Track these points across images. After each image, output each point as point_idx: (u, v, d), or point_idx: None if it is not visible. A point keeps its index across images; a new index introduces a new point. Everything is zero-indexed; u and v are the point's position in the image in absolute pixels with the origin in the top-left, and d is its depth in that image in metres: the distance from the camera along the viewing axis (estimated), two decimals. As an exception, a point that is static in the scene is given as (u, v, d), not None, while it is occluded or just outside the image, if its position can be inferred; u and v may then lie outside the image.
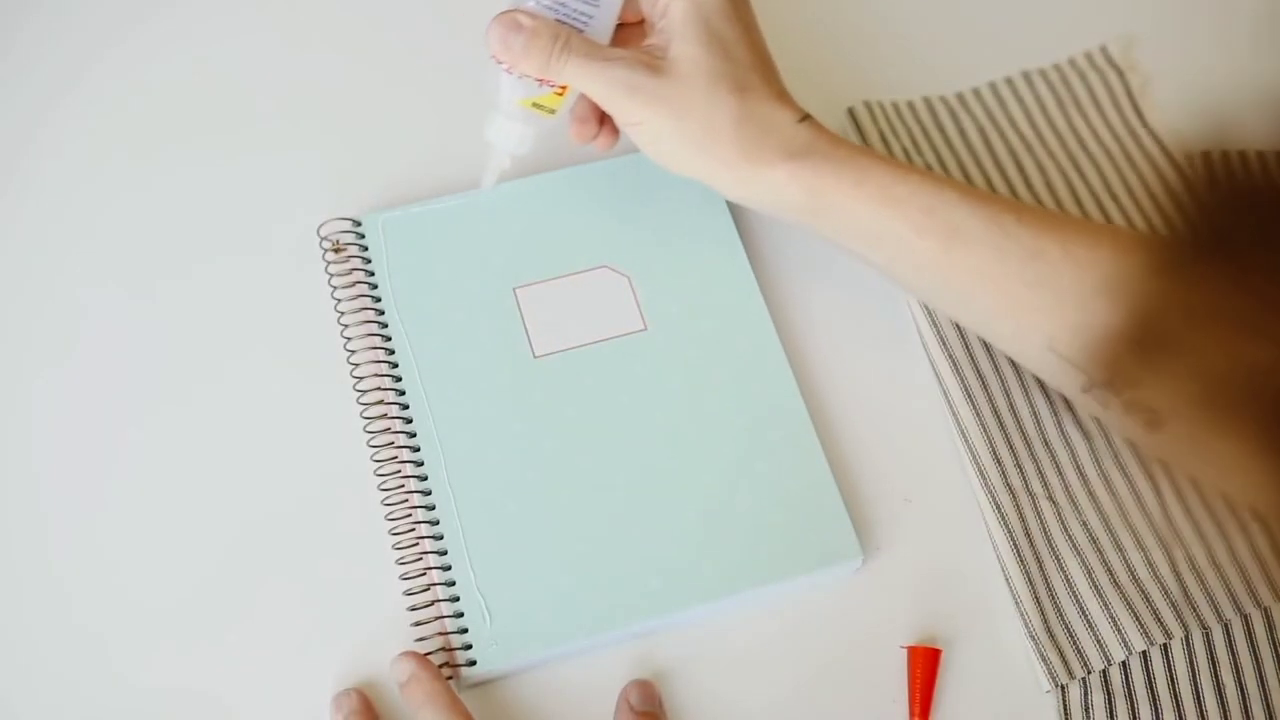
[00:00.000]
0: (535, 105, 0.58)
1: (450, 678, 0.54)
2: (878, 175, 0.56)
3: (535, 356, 0.61)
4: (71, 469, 0.60)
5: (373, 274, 0.63)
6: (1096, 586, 0.57)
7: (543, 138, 0.69)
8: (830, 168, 0.56)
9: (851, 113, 0.70)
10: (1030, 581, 0.57)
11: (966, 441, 0.60)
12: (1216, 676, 0.55)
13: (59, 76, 0.71)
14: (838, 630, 0.56)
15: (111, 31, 0.73)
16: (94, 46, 0.73)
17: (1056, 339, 0.53)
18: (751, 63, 0.57)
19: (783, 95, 0.58)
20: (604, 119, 0.62)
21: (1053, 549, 0.58)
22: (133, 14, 0.73)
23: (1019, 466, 0.59)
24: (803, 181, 0.56)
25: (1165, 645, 0.56)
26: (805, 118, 0.58)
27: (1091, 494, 0.59)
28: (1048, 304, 0.54)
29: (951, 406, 0.61)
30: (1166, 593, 0.57)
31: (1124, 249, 0.54)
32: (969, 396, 0.61)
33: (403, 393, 0.60)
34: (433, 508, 0.57)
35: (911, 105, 0.71)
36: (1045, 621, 0.56)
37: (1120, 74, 0.72)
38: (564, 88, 0.58)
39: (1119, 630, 0.56)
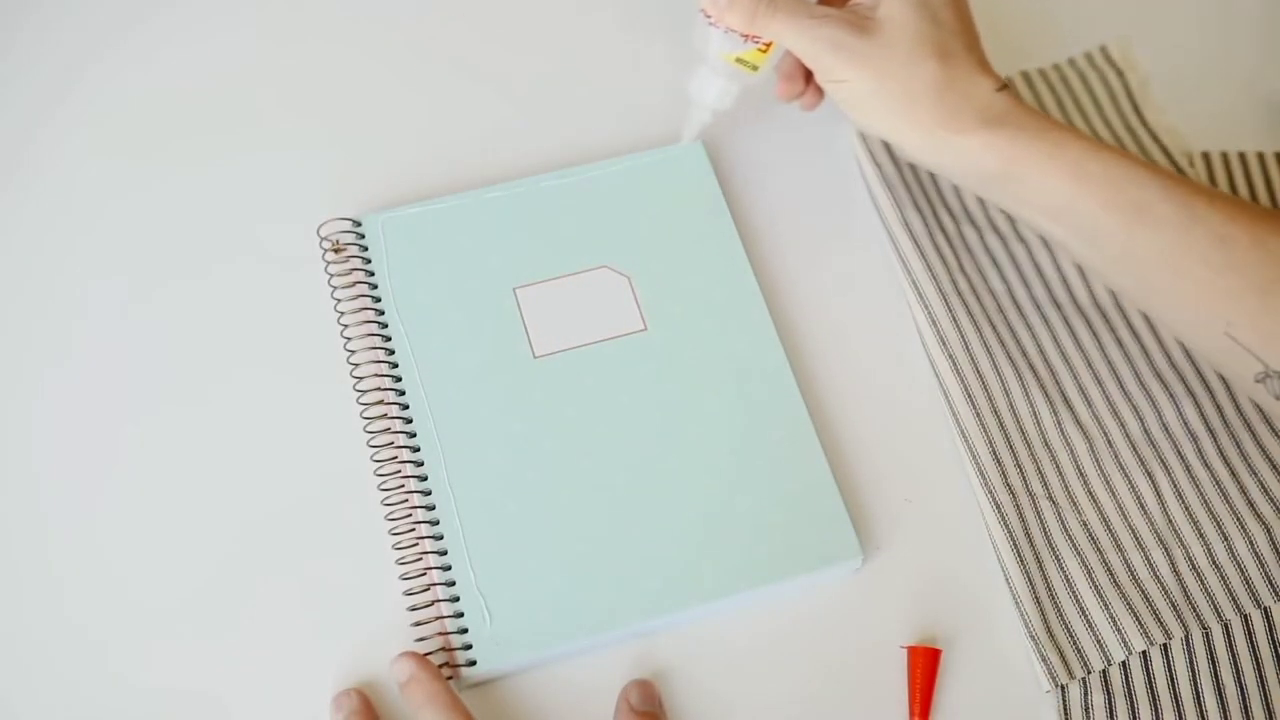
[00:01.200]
0: (739, 61, 0.59)
1: (450, 678, 0.54)
2: (1072, 148, 0.56)
3: (535, 356, 0.61)
4: (71, 468, 0.60)
5: (373, 274, 0.63)
6: (1096, 586, 0.57)
7: (538, 136, 0.69)
8: (1025, 138, 0.56)
9: (851, 113, 0.70)
10: (1030, 581, 0.57)
11: (966, 441, 0.60)
12: (1216, 676, 0.55)
13: (57, 77, 0.72)
14: (838, 630, 0.56)
15: (110, 32, 0.73)
16: (94, 47, 0.73)
17: (1236, 325, 0.53)
18: (956, 28, 0.58)
19: (983, 63, 0.59)
20: (809, 78, 0.63)
21: (1052, 549, 0.58)
22: (132, 15, 0.74)
23: (1019, 466, 0.59)
24: (997, 150, 0.57)
25: (1165, 645, 0.56)
26: (1004, 86, 0.58)
27: (1091, 494, 0.59)
28: (1232, 289, 0.53)
29: (951, 406, 0.61)
30: (1166, 593, 0.57)
31: None
32: (969, 397, 0.61)
33: (403, 393, 0.60)
34: (433, 508, 0.57)
35: (911, 105, 0.71)
36: (1045, 621, 0.56)
37: (1120, 74, 0.72)
38: (769, 44, 0.58)
39: (1119, 630, 0.56)
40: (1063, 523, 0.58)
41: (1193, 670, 0.55)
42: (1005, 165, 0.57)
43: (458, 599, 0.55)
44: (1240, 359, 0.54)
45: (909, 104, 0.57)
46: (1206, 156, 0.69)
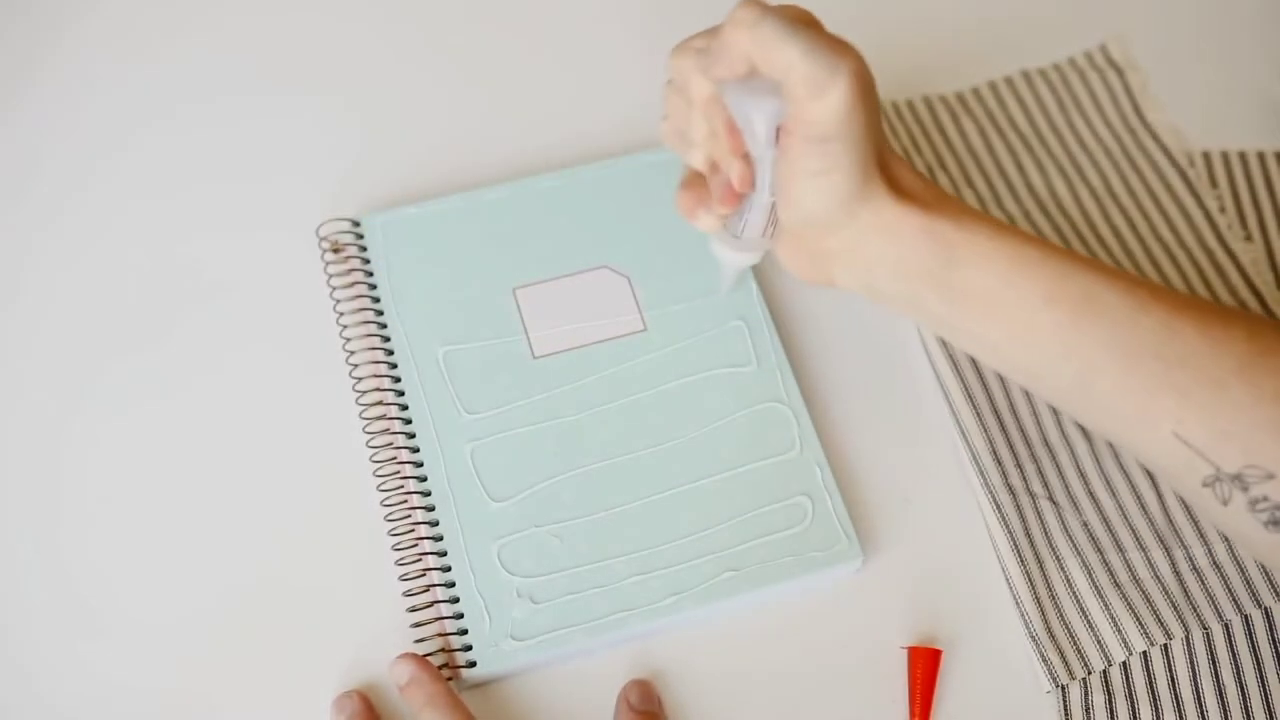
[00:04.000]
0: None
1: (450, 679, 0.54)
2: (1010, 236, 0.51)
3: (535, 357, 0.61)
4: (70, 468, 0.60)
5: (372, 274, 0.63)
6: (1097, 587, 0.57)
7: (538, 136, 0.69)
8: (968, 222, 0.52)
9: (851, 112, 0.70)
10: (1030, 582, 0.57)
11: (967, 442, 0.60)
12: (1217, 677, 0.55)
13: (58, 78, 0.72)
14: (838, 631, 0.56)
15: (112, 34, 0.73)
16: (94, 46, 0.73)
17: (1185, 423, 0.49)
18: (878, 114, 0.53)
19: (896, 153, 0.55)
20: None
21: (1053, 549, 0.58)
22: (131, 16, 0.74)
23: (1019, 467, 0.59)
24: (936, 235, 0.51)
25: (1166, 645, 0.56)
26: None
27: (1092, 494, 0.59)
28: (1182, 384, 0.49)
29: (952, 407, 0.61)
30: (1167, 593, 0.57)
31: (1258, 332, 0.50)
32: (969, 397, 0.61)
33: (402, 393, 0.60)
34: (432, 509, 0.57)
35: (911, 105, 0.71)
36: (1046, 622, 0.56)
37: (1120, 73, 0.72)
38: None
39: (1119, 630, 0.56)
40: (1063, 523, 0.58)
41: (1193, 670, 0.55)
42: (945, 252, 0.51)
43: (457, 600, 0.55)
44: (1186, 462, 0.50)
45: (864, 179, 0.50)
46: (1207, 156, 0.69)
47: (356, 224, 0.65)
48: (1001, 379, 0.61)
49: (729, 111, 0.51)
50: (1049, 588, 0.57)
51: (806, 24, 0.50)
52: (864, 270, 0.53)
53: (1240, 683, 0.55)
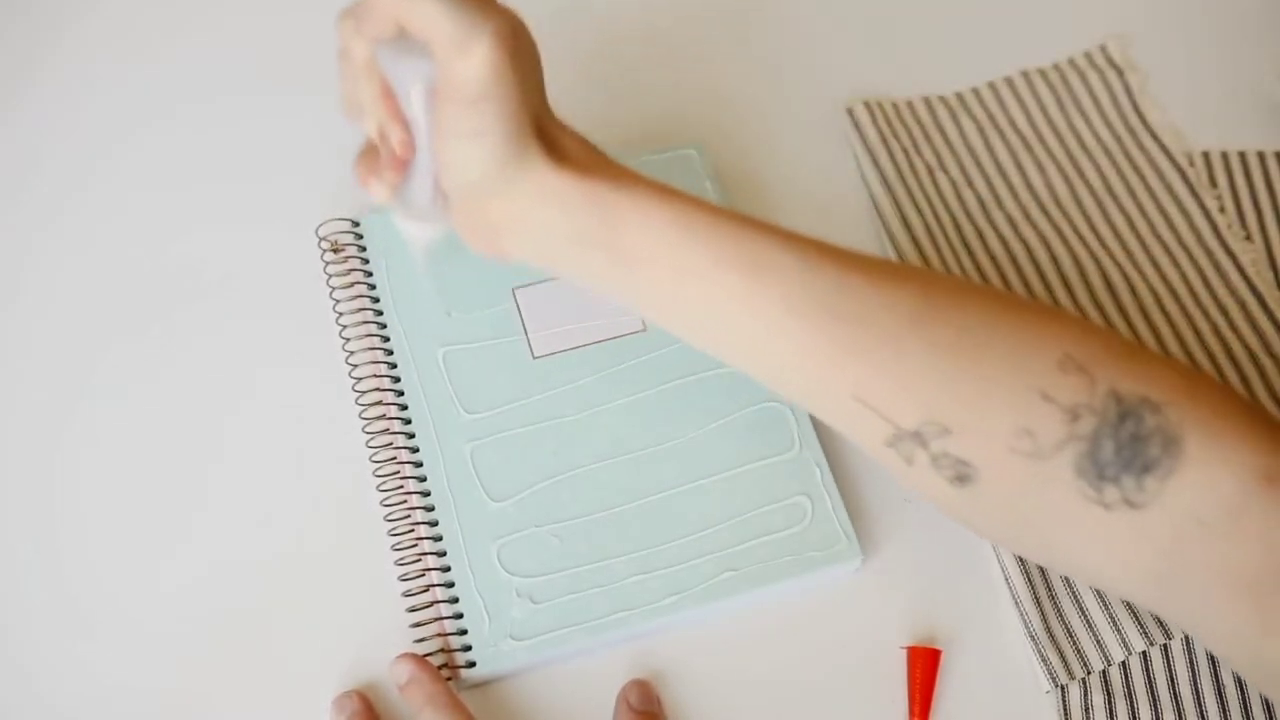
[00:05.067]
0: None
1: (450, 679, 0.54)
2: (676, 201, 0.50)
3: (535, 357, 0.61)
4: (70, 468, 0.60)
5: (371, 274, 0.63)
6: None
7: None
8: (629, 186, 0.50)
9: (851, 113, 0.70)
10: (1030, 582, 0.57)
11: (966, 442, 0.60)
12: (1216, 677, 0.55)
13: (58, 78, 0.72)
14: (837, 631, 0.56)
15: (112, 34, 0.73)
16: (94, 46, 0.73)
17: (863, 382, 0.48)
18: (539, 74, 0.52)
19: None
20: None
21: (1052, 549, 0.58)
22: (131, 16, 0.74)
23: (1018, 467, 0.59)
24: (598, 199, 0.50)
25: (1165, 646, 0.56)
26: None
27: (1091, 494, 0.59)
28: (857, 341, 0.48)
29: (951, 407, 0.61)
30: (1166, 593, 0.57)
31: (931, 285, 0.50)
32: (968, 397, 0.61)
33: (401, 393, 0.60)
34: (432, 509, 0.57)
35: (911, 105, 0.71)
36: (1045, 622, 0.56)
37: (1120, 73, 0.72)
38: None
39: (1119, 631, 0.56)
40: (1062, 523, 0.58)
41: (1193, 671, 0.55)
42: (607, 215, 0.49)
43: (457, 600, 0.55)
44: (868, 422, 0.49)
45: (519, 142, 0.48)
46: (1206, 156, 0.69)
47: (356, 224, 0.65)
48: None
49: (384, 74, 0.49)
50: (1048, 587, 0.57)
51: None
52: (531, 239, 0.52)
53: (1240, 683, 0.55)
